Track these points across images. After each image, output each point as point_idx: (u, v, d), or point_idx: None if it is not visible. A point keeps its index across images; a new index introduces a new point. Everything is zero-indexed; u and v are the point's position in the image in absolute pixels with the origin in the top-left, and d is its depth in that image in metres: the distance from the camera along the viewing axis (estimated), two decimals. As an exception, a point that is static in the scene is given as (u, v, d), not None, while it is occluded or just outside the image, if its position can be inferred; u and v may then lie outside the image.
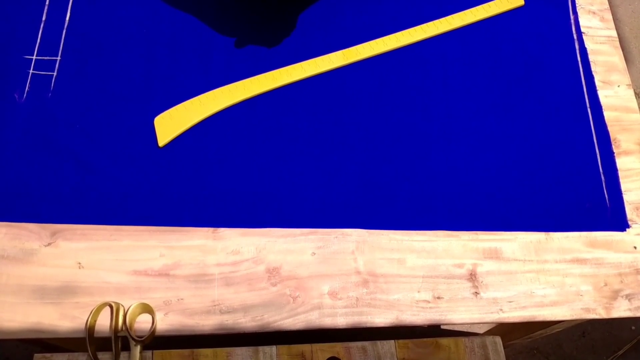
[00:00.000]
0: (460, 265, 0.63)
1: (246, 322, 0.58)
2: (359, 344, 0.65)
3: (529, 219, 0.66)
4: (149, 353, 0.62)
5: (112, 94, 0.68)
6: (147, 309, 0.57)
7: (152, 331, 0.56)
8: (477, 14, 0.78)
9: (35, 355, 0.61)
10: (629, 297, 0.63)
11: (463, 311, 0.61)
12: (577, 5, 0.82)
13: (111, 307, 0.57)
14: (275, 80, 0.71)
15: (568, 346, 1.19)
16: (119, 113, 0.67)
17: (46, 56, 0.70)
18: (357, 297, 0.60)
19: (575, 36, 0.80)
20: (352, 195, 0.65)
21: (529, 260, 0.64)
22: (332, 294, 0.60)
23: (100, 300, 0.57)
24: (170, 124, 0.66)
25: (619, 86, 0.77)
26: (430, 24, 0.77)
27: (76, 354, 0.61)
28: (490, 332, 1.00)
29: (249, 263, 0.61)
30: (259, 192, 0.64)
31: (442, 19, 0.78)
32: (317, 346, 0.64)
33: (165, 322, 0.57)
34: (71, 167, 0.63)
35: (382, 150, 0.68)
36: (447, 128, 0.70)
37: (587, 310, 0.62)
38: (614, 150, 0.72)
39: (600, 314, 0.62)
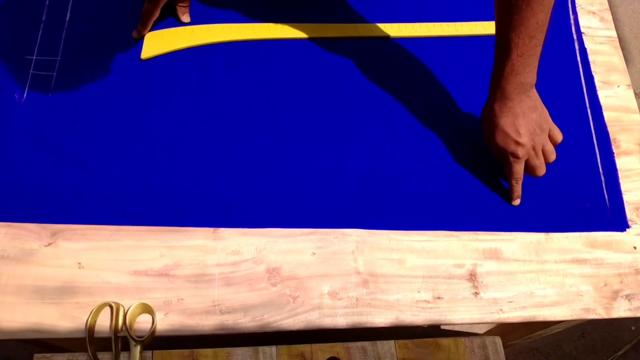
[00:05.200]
0: (460, 266, 0.63)
1: (246, 322, 0.58)
2: (359, 344, 0.65)
3: (529, 219, 0.66)
4: (149, 353, 0.62)
5: (111, 94, 0.68)
6: (147, 309, 0.57)
7: (152, 331, 0.56)
8: (487, 29, 0.77)
9: (35, 355, 0.61)
10: (629, 297, 0.63)
11: (463, 311, 0.61)
12: (577, 5, 0.82)
13: (111, 307, 0.57)
14: (270, 32, 0.73)
15: (568, 346, 1.19)
16: (118, 113, 0.67)
17: (46, 56, 0.70)
18: (357, 297, 0.60)
19: (575, 36, 0.80)
20: (352, 195, 0.65)
21: (529, 261, 0.64)
22: (332, 294, 0.60)
23: (100, 300, 0.57)
24: (160, 43, 0.70)
25: (618, 86, 0.77)
26: (436, 24, 0.77)
27: (76, 354, 0.61)
28: (490, 333, 1.00)
29: (249, 263, 0.61)
30: (259, 192, 0.64)
31: (450, 24, 0.78)
32: (317, 346, 0.64)
33: (165, 322, 0.57)
34: (71, 167, 0.63)
35: (382, 150, 0.68)
36: (447, 128, 0.70)
37: (587, 310, 0.62)
38: (614, 151, 0.72)
39: (600, 314, 0.62)
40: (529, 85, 0.60)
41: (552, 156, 0.64)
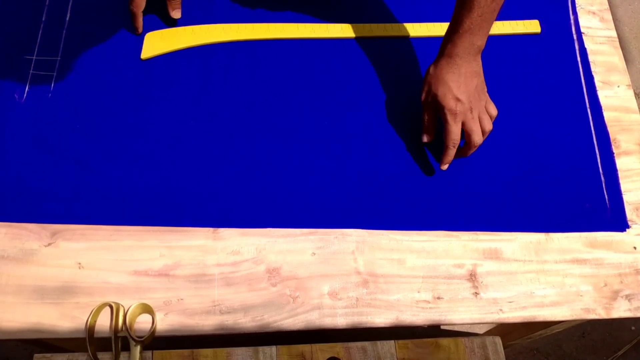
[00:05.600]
0: (460, 266, 0.63)
1: (246, 322, 0.58)
2: (359, 344, 0.65)
3: (529, 219, 0.66)
4: (149, 353, 0.62)
5: (111, 94, 0.68)
6: (147, 309, 0.57)
7: (152, 331, 0.56)
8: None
9: (35, 355, 0.61)
10: (628, 297, 0.63)
11: (463, 311, 0.61)
12: (577, 5, 0.82)
13: (111, 307, 0.57)
14: (270, 32, 0.73)
15: (568, 346, 1.19)
16: (118, 113, 0.67)
17: (46, 56, 0.70)
18: (357, 297, 0.60)
19: (575, 36, 0.80)
20: (352, 195, 0.65)
21: (529, 261, 0.64)
22: (332, 294, 0.60)
23: (100, 300, 0.57)
24: (160, 43, 0.70)
25: (618, 86, 0.77)
26: (436, 24, 0.77)
27: (76, 354, 0.61)
28: (490, 333, 1.00)
29: (249, 263, 0.61)
30: (259, 192, 0.64)
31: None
32: (317, 346, 0.64)
33: (165, 322, 0.57)
34: (71, 167, 0.63)
35: (382, 150, 0.68)
36: (447, 128, 0.70)
37: (587, 310, 0.62)
38: (614, 151, 0.72)
39: (600, 314, 0.62)
40: (478, 48, 0.62)
41: (489, 126, 0.65)
